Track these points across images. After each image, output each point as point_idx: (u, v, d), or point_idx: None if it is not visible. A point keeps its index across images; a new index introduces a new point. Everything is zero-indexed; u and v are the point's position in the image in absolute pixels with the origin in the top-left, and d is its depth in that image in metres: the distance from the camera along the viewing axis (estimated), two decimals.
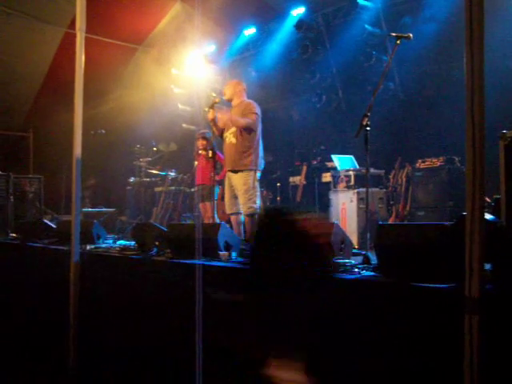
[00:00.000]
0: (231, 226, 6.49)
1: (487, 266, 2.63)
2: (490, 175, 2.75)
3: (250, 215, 6.46)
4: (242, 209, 6.52)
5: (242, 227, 6.66)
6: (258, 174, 6.65)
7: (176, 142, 11.78)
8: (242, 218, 6.63)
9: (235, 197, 6.62)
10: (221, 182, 7.94)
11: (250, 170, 6.52)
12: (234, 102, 6.80)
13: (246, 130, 6.52)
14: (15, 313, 7.23)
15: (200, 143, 8.23)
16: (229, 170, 6.69)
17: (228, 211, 6.76)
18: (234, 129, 6.60)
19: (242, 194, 6.48)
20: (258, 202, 6.57)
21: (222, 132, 6.85)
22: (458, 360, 2.48)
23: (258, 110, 6.64)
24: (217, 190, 7.74)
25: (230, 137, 6.65)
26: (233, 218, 6.72)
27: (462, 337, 2.47)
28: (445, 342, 2.73)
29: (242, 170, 6.52)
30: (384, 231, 3.50)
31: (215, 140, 7.25)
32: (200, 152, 8.23)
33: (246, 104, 6.71)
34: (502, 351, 2.53)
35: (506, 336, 2.54)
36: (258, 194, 6.60)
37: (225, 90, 6.85)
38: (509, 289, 2.69)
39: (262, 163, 6.69)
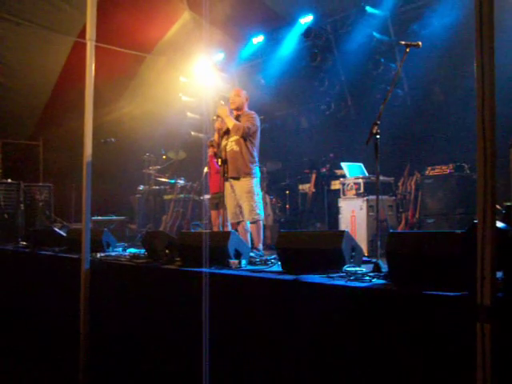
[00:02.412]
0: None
1: (499, 274, 2.61)
2: (501, 182, 2.74)
3: (255, 222, 6.51)
4: (247, 217, 6.54)
5: (249, 235, 6.67)
6: (258, 182, 6.74)
7: (185, 150, 11.81)
8: (248, 225, 6.65)
9: (239, 205, 6.64)
10: None
11: (253, 177, 6.59)
12: (239, 112, 6.83)
13: (244, 136, 6.59)
14: (26, 320, 7.26)
15: (211, 150, 8.24)
16: (230, 177, 6.70)
17: (232, 220, 6.77)
18: (236, 137, 6.64)
19: (247, 201, 6.51)
20: (262, 208, 6.63)
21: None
22: (471, 368, 2.47)
23: (257, 121, 6.73)
24: None
25: (231, 144, 6.67)
26: (240, 226, 6.73)
27: (474, 345, 2.46)
28: (457, 351, 2.72)
29: (244, 178, 6.56)
30: (395, 239, 3.48)
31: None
32: (213, 158, 8.21)
33: (247, 114, 6.77)
34: None
35: None
36: (261, 201, 6.68)
37: (234, 98, 6.83)
38: None
39: (258, 171, 6.79)
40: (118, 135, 10.92)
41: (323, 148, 10.88)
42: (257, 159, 6.73)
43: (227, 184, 6.74)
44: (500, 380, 2.42)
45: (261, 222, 6.60)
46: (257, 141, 6.75)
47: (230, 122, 6.64)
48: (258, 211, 6.50)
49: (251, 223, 6.54)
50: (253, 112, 6.82)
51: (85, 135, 5.19)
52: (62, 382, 5.46)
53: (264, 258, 5.36)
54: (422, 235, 3.65)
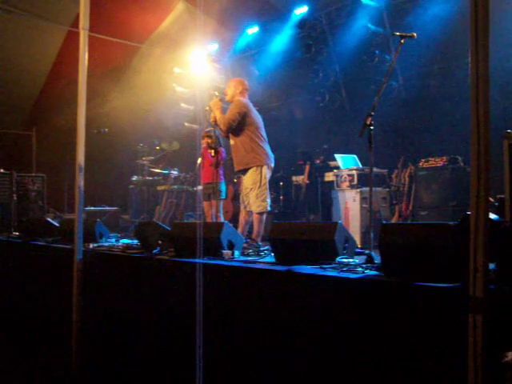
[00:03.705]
0: (235, 226, 6.47)
1: (491, 266, 2.62)
2: (494, 175, 2.74)
3: (260, 213, 6.43)
4: (252, 207, 6.47)
5: (247, 227, 6.65)
6: (268, 173, 6.56)
7: (178, 141, 11.79)
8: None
9: (247, 196, 6.60)
10: (227, 181, 7.95)
11: (257, 166, 6.47)
12: None
13: (227, 129, 6.51)
14: (18, 311, 7.24)
15: (205, 141, 8.19)
16: (237, 171, 6.71)
17: (242, 208, 6.74)
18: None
19: (252, 192, 6.46)
20: (269, 200, 6.51)
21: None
22: (462, 359, 2.48)
23: (240, 108, 6.50)
24: (223, 187, 7.71)
25: (231, 139, 6.65)
26: (244, 214, 6.67)
27: (466, 336, 2.46)
28: (448, 342, 2.73)
29: (247, 169, 6.51)
30: (388, 230, 3.49)
31: (222, 139, 7.30)
32: (207, 150, 8.17)
33: (232, 104, 6.61)
34: (505, 351, 2.52)
35: (510, 336, 2.54)
36: (268, 191, 6.53)
37: (226, 90, 6.78)
38: None
39: (267, 159, 6.58)
40: (112, 125, 10.88)
41: (317, 139, 10.86)
42: (260, 146, 6.51)
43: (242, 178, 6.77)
44: (491, 371, 2.43)
45: (264, 216, 6.49)
46: (253, 127, 6.53)
47: (217, 116, 6.53)
48: (262, 202, 6.39)
49: (257, 214, 6.45)
50: (238, 99, 6.60)
51: (78, 125, 5.17)
52: (55, 372, 5.45)
53: (257, 249, 5.36)
54: (415, 227, 3.66)
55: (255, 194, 6.39)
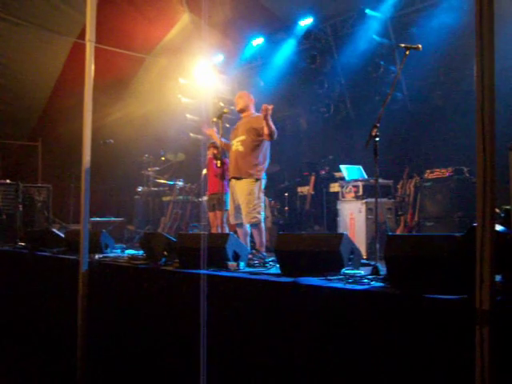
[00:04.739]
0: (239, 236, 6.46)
1: (497, 278, 2.61)
2: (500, 186, 2.74)
3: (255, 225, 6.42)
4: (244, 219, 6.44)
5: (248, 238, 6.62)
6: (263, 186, 6.61)
7: (184, 152, 11.81)
8: (248, 228, 6.57)
9: (239, 207, 6.56)
10: None
11: (256, 178, 6.49)
12: (245, 114, 6.78)
13: (267, 137, 6.47)
14: (23, 322, 7.24)
15: (211, 152, 8.20)
16: (232, 177, 6.65)
17: (233, 222, 6.71)
18: (242, 137, 6.58)
19: (246, 203, 6.41)
20: (263, 212, 6.51)
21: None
22: (469, 372, 2.46)
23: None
24: (227, 198, 7.72)
25: (237, 144, 6.62)
26: (239, 229, 6.66)
27: (473, 349, 2.45)
28: (455, 355, 2.71)
29: (245, 178, 6.50)
30: (394, 242, 3.47)
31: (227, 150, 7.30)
32: (212, 160, 8.17)
33: (258, 118, 6.59)
34: None
35: None
36: (263, 204, 6.55)
37: (237, 100, 6.82)
38: None
39: (264, 173, 6.65)
40: (117, 136, 10.90)
41: (322, 150, 10.88)
42: (263, 162, 6.59)
43: (231, 184, 6.70)
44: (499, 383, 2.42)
45: (262, 225, 6.46)
46: (267, 144, 6.63)
47: (270, 127, 6.38)
48: (257, 215, 6.37)
49: (252, 227, 6.46)
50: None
51: (84, 136, 5.18)
52: (59, 383, 5.44)
53: (263, 260, 5.35)
54: (421, 238, 3.64)
55: (250, 206, 6.37)
